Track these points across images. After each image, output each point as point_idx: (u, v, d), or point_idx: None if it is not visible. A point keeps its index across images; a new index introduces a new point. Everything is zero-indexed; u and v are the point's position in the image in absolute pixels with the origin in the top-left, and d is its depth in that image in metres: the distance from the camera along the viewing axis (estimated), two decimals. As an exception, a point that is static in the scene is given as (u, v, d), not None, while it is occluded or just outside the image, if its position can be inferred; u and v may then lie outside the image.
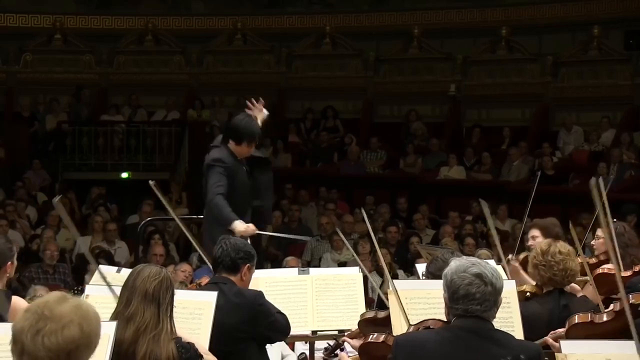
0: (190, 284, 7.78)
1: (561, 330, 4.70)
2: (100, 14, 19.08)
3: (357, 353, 4.78)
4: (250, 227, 6.63)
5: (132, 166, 16.95)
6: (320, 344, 6.05)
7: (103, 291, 4.81)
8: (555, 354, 4.04)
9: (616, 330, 4.42)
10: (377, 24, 18.60)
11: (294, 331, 5.86)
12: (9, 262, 5.31)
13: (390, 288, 4.69)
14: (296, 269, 6.23)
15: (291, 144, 17.29)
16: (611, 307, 4.72)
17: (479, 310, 3.77)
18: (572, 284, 5.28)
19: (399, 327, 4.55)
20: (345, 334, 5.44)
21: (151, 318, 4.20)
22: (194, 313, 4.72)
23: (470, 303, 3.76)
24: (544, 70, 17.28)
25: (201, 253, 6.78)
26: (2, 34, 18.52)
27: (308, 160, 17.02)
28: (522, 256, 6.14)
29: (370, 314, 5.11)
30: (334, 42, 18.50)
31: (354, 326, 5.31)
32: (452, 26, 18.09)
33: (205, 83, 18.57)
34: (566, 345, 3.91)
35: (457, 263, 3.89)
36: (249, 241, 6.40)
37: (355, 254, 6.77)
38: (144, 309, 4.21)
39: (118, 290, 4.45)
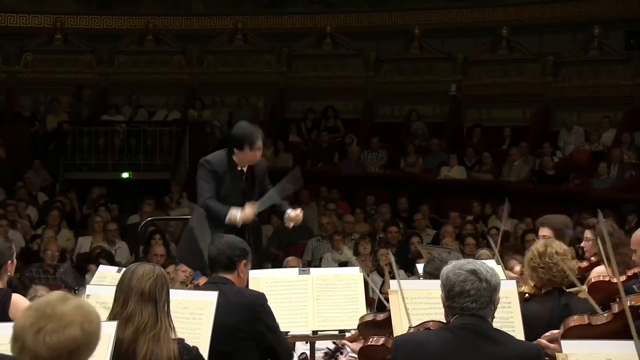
0: (190, 284, 7.79)
1: (555, 332, 4.68)
2: (100, 14, 19.09)
3: (356, 356, 4.78)
4: (247, 211, 6.62)
5: (133, 166, 16.96)
6: (321, 344, 6.05)
7: (104, 291, 4.81)
8: (556, 353, 4.03)
9: (614, 333, 4.41)
10: (377, 23, 18.60)
11: (294, 331, 5.87)
12: (9, 261, 5.33)
13: (392, 287, 4.68)
14: (297, 269, 6.22)
15: (292, 144, 17.30)
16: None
17: (474, 308, 3.78)
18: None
19: (399, 328, 4.54)
20: (345, 337, 5.44)
21: (149, 317, 4.19)
22: (195, 313, 4.72)
23: (466, 300, 3.78)
24: (545, 70, 17.28)
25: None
26: (3, 33, 18.52)
27: (309, 160, 17.02)
28: None
29: (370, 317, 5.10)
30: (335, 42, 18.50)
31: (354, 326, 5.30)
32: (453, 26, 18.09)
33: (206, 83, 18.57)
34: (567, 345, 3.91)
35: (453, 262, 3.95)
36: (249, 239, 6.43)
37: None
38: (142, 308, 4.20)
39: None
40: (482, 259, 5.48)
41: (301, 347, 7.27)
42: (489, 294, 3.80)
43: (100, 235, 12.47)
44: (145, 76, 18.61)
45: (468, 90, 17.68)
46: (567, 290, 5.17)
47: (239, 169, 6.93)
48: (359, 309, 5.68)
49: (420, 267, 5.96)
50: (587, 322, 4.61)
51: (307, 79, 18.50)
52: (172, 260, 10.84)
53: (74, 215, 14.69)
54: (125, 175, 16.87)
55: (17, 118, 17.99)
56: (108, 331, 3.86)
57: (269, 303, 5.19)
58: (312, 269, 6.15)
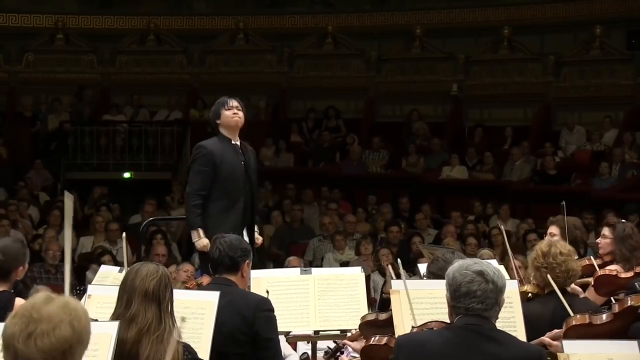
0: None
1: (558, 331, 4.68)
2: (102, 14, 19.09)
3: (358, 356, 4.77)
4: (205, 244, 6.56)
5: (134, 166, 16.95)
6: (323, 344, 6.05)
7: (106, 291, 4.81)
8: (557, 353, 4.03)
9: (614, 332, 4.42)
10: (379, 23, 18.60)
11: (296, 331, 5.87)
12: (21, 267, 5.35)
13: (394, 287, 4.68)
14: (298, 269, 6.22)
15: (293, 144, 17.30)
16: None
17: (480, 309, 3.77)
18: (574, 286, 5.26)
19: (401, 328, 4.54)
20: (346, 336, 5.43)
21: (153, 318, 4.15)
22: (196, 313, 4.71)
23: (472, 301, 3.77)
24: (546, 70, 17.27)
25: None
26: (4, 33, 18.53)
27: (310, 160, 17.02)
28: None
29: (371, 316, 5.09)
30: (336, 42, 18.50)
31: (356, 326, 5.30)
32: (454, 26, 18.09)
33: (207, 83, 18.55)
34: (568, 345, 3.91)
35: (460, 262, 3.93)
36: (246, 238, 6.43)
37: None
38: (145, 309, 4.16)
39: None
40: (483, 259, 5.48)
41: (303, 347, 7.28)
42: (495, 296, 3.80)
43: (101, 235, 12.47)
44: (146, 76, 18.62)
45: (469, 90, 17.68)
46: (571, 287, 5.18)
47: (233, 142, 7.01)
48: (360, 309, 5.68)
49: (421, 266, 5.96)
50: (588, 321, 4.62)
51: (308, 79, 18.49)
52: (173, 260, 10.86)
53: (76, 215, 14.68)
54: (126, 175, 16.86)
55: (19, 118, 17.99)
56: (109, 331, 3.86)
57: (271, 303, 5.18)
58: (313, 269, 6.15)
